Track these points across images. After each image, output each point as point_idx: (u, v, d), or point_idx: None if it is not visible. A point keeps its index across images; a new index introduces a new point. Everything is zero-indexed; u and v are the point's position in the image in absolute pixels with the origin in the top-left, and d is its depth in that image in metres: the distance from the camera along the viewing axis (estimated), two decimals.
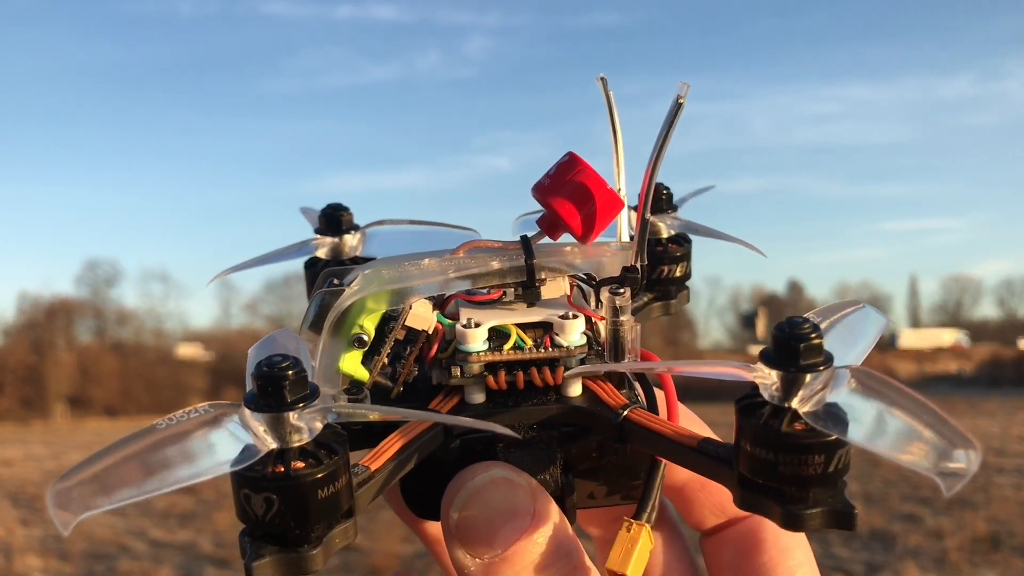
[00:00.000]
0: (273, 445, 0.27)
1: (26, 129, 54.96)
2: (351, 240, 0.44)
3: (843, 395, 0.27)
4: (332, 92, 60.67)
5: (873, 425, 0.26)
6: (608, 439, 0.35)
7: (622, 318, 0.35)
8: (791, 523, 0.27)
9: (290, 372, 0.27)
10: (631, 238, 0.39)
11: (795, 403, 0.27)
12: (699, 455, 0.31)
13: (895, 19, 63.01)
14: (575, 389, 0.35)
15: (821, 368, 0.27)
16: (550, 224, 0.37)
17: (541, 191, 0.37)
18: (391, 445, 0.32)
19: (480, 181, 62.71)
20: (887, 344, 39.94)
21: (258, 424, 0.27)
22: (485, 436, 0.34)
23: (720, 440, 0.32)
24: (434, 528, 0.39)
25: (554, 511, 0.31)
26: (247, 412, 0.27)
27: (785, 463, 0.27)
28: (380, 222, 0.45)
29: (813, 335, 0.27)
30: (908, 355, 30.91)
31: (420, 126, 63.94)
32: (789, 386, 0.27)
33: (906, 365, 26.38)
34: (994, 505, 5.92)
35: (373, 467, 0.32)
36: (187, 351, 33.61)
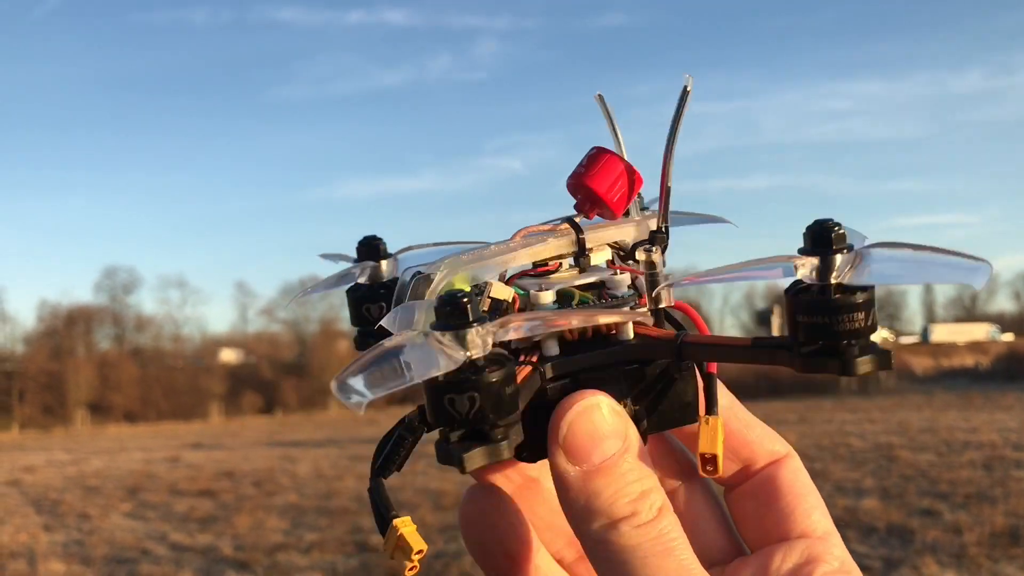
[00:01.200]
0: (463, 356, 0.34)
1: (43, 138, 55.38)
2: (386, 265, 0.50)
3: (867, 265, 0.35)
4: (344, 98, 60.84)
5: (897, 270, 0.35)
6: (671, 363, 0.41)
7: (655, 270, 0.42)
8: (849, 368, 0.35)
9: (466, 300, 0.35)
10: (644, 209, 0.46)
11: (833, 279, 0.35)
12: (756, 348, 0.38)
13: (905, 14, 62.68)
14: (630, 333, 0.41)
15: (846, 250, 0.35)
16: (589, 204, 0.44)
17: (577, 178, 0.44)
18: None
19: (493, 184, 62.83)
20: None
21: (449, 341, 0.34)
22: (571, 377, 0.40)
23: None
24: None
25: (638, 436, 0.38)
26: (436, 333, 0.34)
27: (837, 322, 0.34)
28: (409, 248, 0.51)
29: (837, 227, 0.35)
30: (924, 350, 30.70)
31: (432, 130, 63.97)
32: (827, 267, 0.35)
33: (922, 360, 26.19)
34: (1012, 499, 5.90)
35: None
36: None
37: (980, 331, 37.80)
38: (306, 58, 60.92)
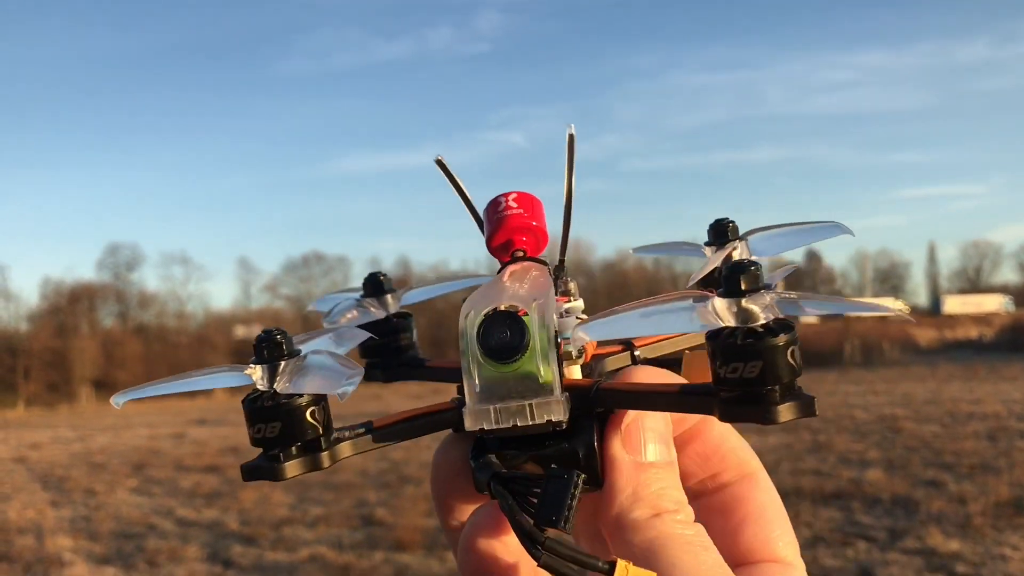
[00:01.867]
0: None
1: (44, 116, 55.21)
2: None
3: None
4: (345, 71, 60.59)
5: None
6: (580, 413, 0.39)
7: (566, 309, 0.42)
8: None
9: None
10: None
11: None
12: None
13: None
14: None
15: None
16: (534, 243, 0.44)
17: (524, 222, 0.43)
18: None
19: (496, 157, 62.60)
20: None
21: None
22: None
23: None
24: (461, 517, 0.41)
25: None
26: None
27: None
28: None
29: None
30: (928, 322, 30.69)
31: (434, 104, 63.74)
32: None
33: (926, 332, 26.21)
34: (1017, 470, 5.90)
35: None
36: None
37: (993, 302, 37.76)
38: (307, 31, 60.62)
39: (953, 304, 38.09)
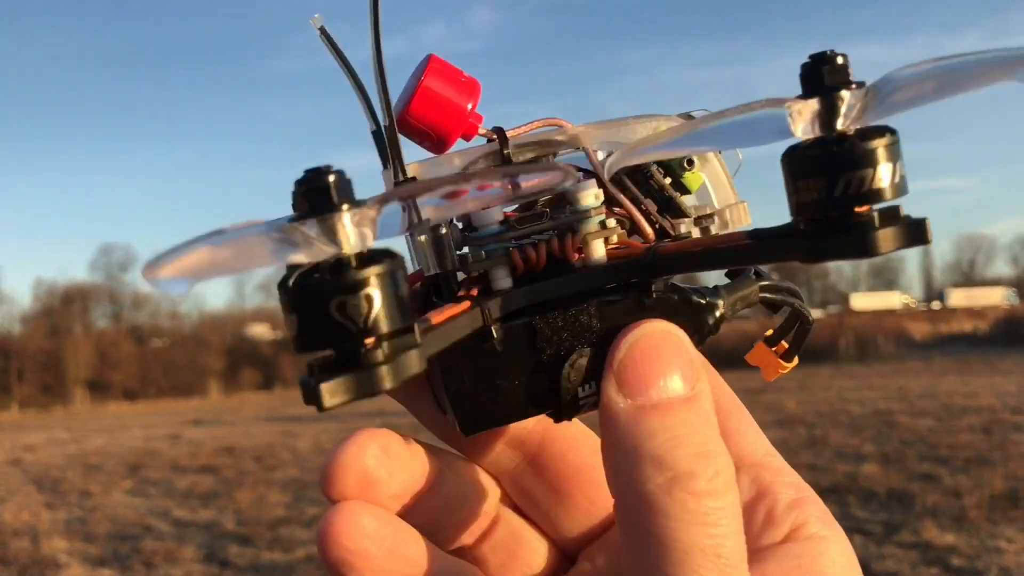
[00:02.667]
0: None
1: (36, 117, 55.05)
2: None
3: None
4: (338, 69, 60.31)
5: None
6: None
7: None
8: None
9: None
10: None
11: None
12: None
13: None
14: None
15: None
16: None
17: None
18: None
19: None
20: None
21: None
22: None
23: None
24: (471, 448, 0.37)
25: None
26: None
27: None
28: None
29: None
30: (922, 316, 30.74)
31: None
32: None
33: (920, 326, 26.25)
34: (1012, 462, 5.91)
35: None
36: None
37: (997, 295, 37.76)
38: (299, 29, 60.41)
39: (958, 297, 38.07)
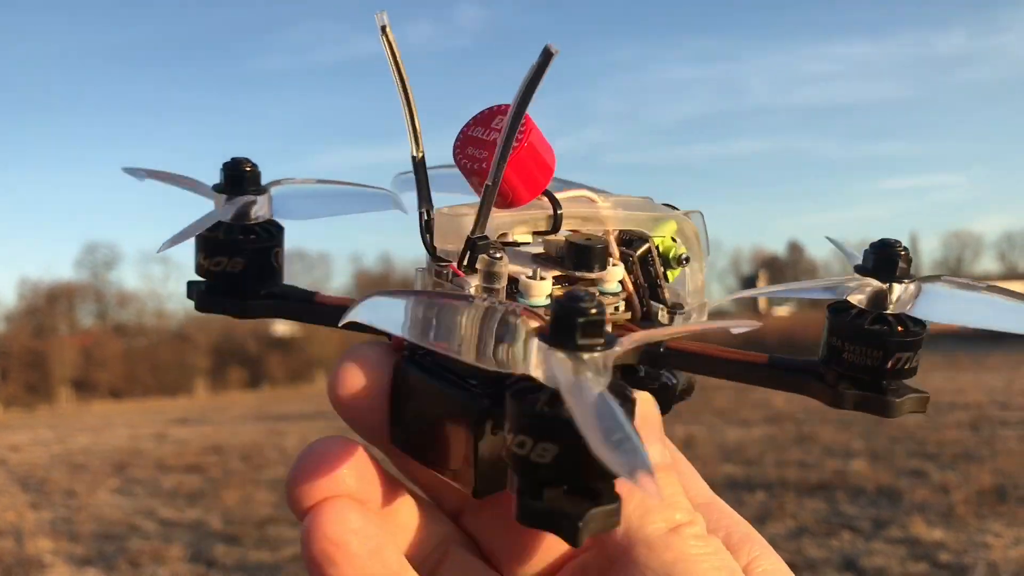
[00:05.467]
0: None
1: (20, 114, 54.70)
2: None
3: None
4: (324, 67, 60.23)
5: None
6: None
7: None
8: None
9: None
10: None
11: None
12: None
13: None
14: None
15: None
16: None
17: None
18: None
19: None
20: None
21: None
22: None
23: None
24: (428, 478, 0.36)
25: None
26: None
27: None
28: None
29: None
30: None
31: (416, 98, 63.37)
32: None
33: None
34: (1000, 458, 5.94)
35: None
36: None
37: None
38: (286, 26, 60.27)
39: None
